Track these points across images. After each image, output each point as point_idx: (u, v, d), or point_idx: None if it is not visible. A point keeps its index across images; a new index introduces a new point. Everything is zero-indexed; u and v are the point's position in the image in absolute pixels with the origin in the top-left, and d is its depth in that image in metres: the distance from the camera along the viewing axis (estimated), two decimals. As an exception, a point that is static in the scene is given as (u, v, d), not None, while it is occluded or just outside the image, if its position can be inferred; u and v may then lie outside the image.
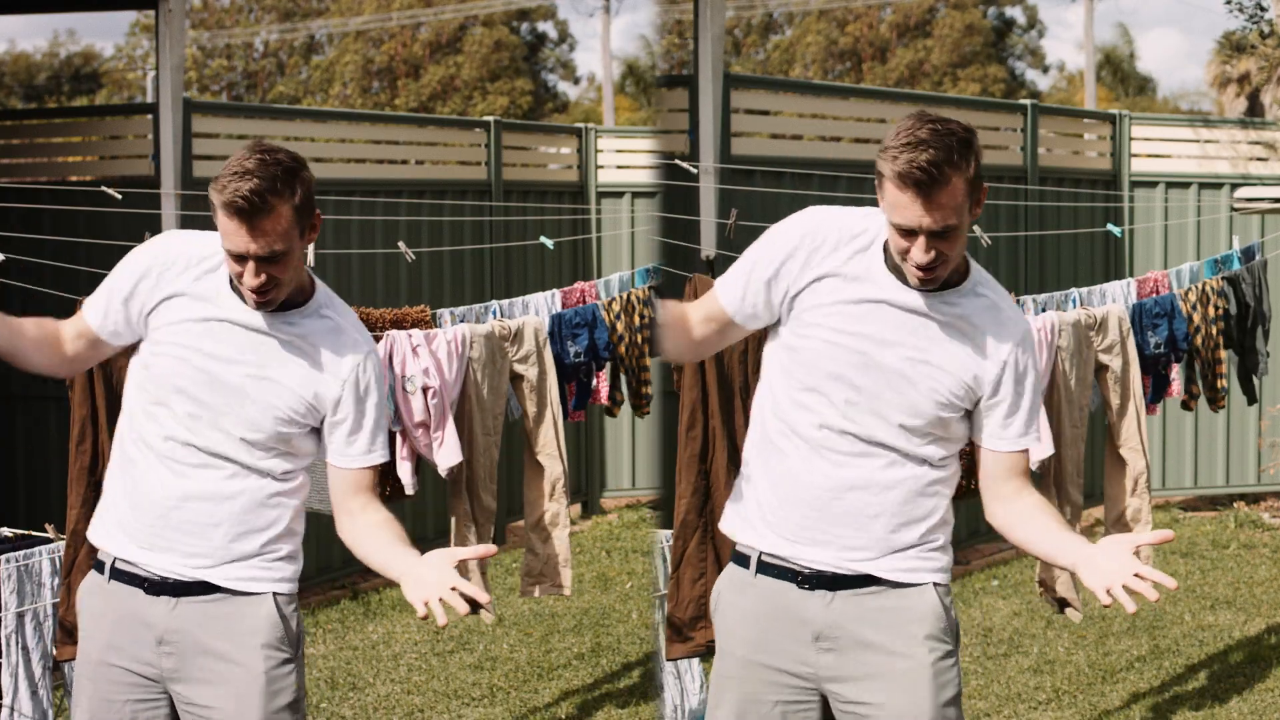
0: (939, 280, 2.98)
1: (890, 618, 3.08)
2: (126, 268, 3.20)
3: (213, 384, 3.12)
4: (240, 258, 3.02)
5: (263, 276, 3.02)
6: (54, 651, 4.94)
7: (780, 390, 3.12)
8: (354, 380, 3.18)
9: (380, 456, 3.25)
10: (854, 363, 3.03)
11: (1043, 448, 5.23)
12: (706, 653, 4.95)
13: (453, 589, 2.95)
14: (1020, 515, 3.13)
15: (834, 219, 3.10)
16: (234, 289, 3.14)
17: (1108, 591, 2.87)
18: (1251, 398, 6.18)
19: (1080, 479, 5.39)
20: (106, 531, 3.24)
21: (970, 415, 3.11)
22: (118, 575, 3.20)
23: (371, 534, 3.21)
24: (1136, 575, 2.86)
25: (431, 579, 2.99)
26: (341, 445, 3.21)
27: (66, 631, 4.73)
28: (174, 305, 3.15)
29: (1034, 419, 3.13)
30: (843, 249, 3.06)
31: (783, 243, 3.10)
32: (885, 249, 3.04)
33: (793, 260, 3.08)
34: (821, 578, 3.09)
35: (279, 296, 3.09)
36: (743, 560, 3.19)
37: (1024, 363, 3.08)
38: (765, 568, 3.14)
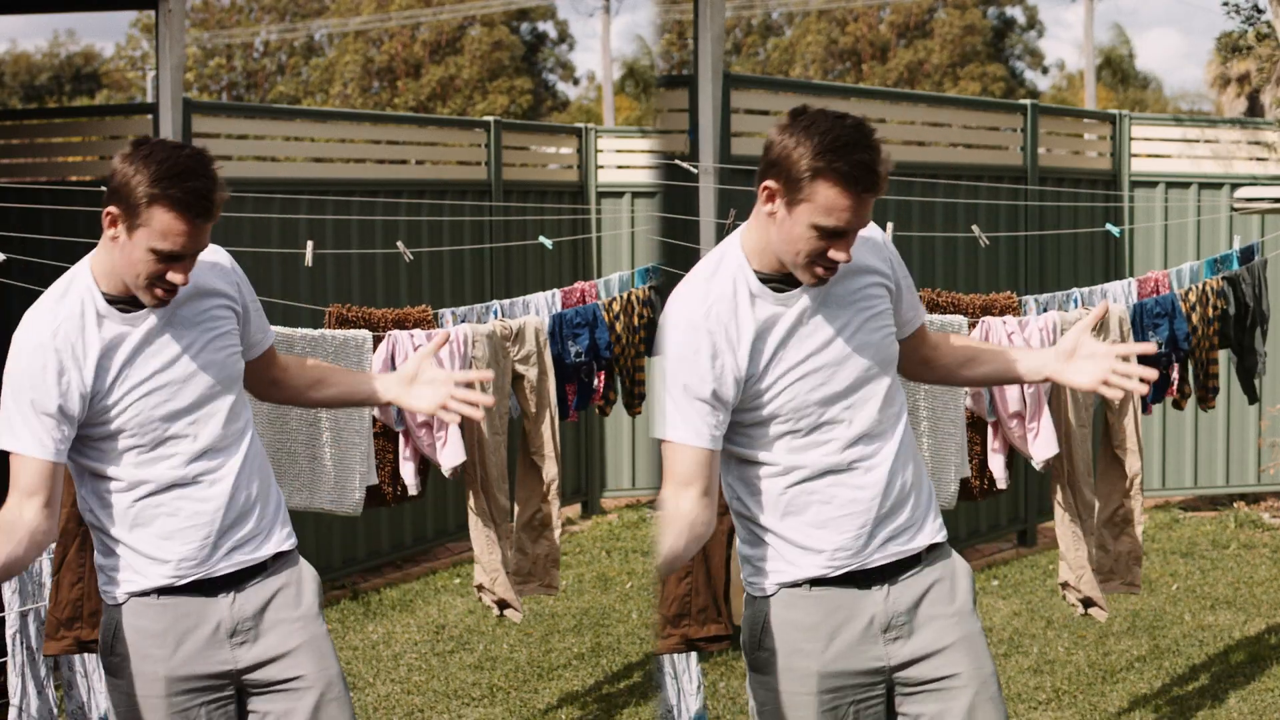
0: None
1: (940, 590, 3.16)
2: (18, 383, 3.06)
3: (185, 385, 3.17)
4: (173, 257, 3.02)
5: (180, 278, 3.05)
6: (37, 646, 4.90)
7: (784, 452, 3.07)
8: (239, 283, 3.29)
9: (272, 331, 3.45)
10: (826, 377, 3.05)
11: (1048, 446, 5.24)
12: (687, 649, 4.97)
13: (459, 383, 3.32)
14: (953, 355, 3.34)
15: (706, 297, 3.01)
16: (111, 303, 3.10)
17: (1107, 384, 3.13)
18: (1252, 397, 6.18)
19: (1091, 478, 5.38)
20: (152, 568, 3.18)
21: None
22: (167, 591, 3.18)
23: (304, 371, 3.46)
24: (1122, 359, 3.14)
25: (431, 380, 3.34)
26: (259, 335, 3.35)
27: (55, 626, 4.70)
28: (107, 367, 3.09)
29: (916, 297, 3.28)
30: (737, 311, 3.01)
31: (688, 355, 3.00)
32: (762, 279, 3.01)
33: (714, 359, 3.00)
34: (882, 572, 3.13)
35: (176, 289, 3.11)
36: (793, 582, 3.15)
37: (893, 250, 3.19)
38: (818, 582, 3.13)
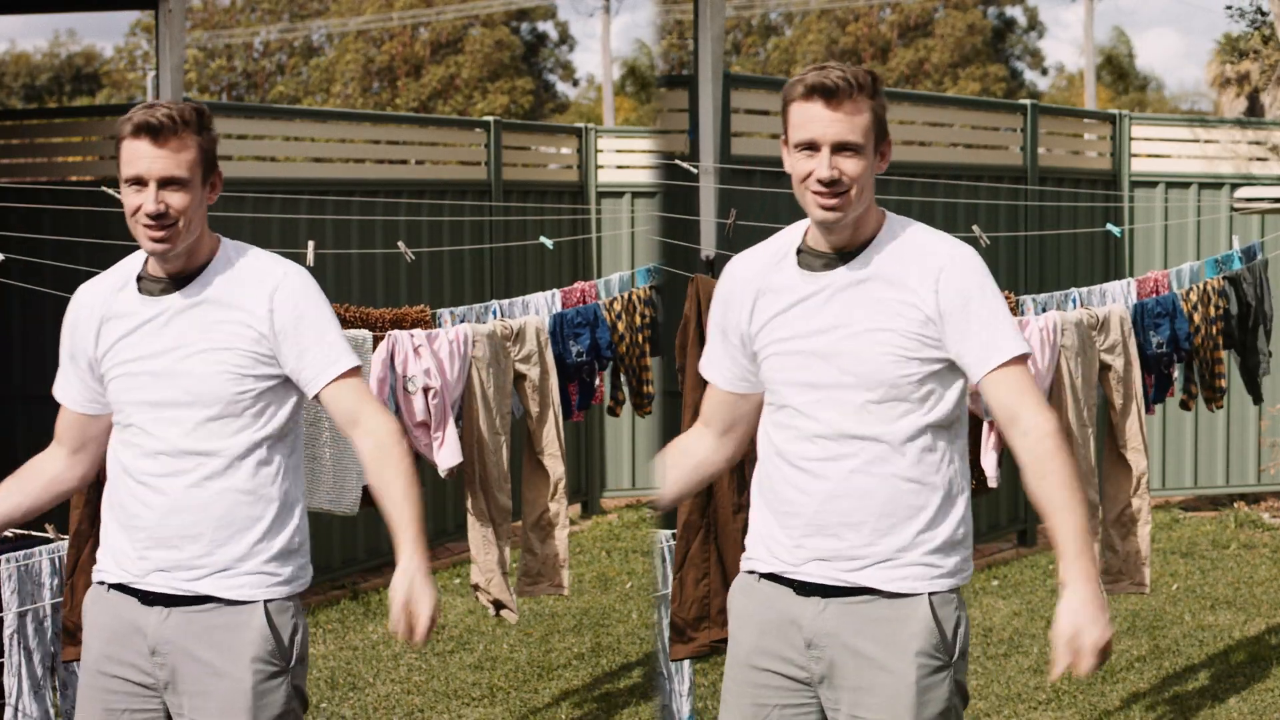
0: (844, 211, 2.98)
1: (880, 629, 3.03)
2: (63, 334, 3.28)
3: (156, 381, 3.14)
4: (140, 182, 3.07)
5: (162, 205, 3.05)
6: (54, 652, 4.94)
7: (766, 421, 3.17)
8: (276, 305, 3.13)
9: (347, 360, 3.16)
10: (801, 364, 3.05)
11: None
12: (709, 653, 4.95)
13: (404, 609, 2.97)
14: (1027, 467, 2.95)
15: (754, 252, 3.19)
16: (146, 279, 3.17)
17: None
18: (1257, 397, 6.17)
19: (1095, 478, 5.38)
20: (105, 555, 3.27)
21: (951, 364, 3.03)
22: (116, 586, 3.23)
23: (375, 484, 3.13)
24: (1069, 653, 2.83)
25: (399, 594, 2.99)
26: (310, 371, 3.14)
27: (69, 633, 4.72)
28: (107, 335, 3.20)
29: (1002, 329, 3.00)
30: (764, 271, 3.13)
31: (721, 299, 3.20)
32: (800, 249, 3.09)
33: (730, 309, 3.17)
34: (817, 586, 3.08)
35: (177, 241, 3.09)
36: (750, 570, 3.21)
37: (959, 278, 3.00)
38: (769, 575, 3.15)
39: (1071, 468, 2.94)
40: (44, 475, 3.35)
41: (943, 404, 3.04)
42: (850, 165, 2.97)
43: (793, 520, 3.08)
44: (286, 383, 3.18)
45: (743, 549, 3.27)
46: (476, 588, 5.25)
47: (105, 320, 3.20)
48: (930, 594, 3.03)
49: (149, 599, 3.17)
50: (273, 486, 3.17)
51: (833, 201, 2.98)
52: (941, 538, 3.05)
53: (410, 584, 2.98)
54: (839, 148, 2.96)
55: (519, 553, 5.50)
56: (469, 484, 5.20)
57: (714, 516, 4.92)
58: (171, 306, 3.15)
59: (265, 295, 3.13)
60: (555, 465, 5.37)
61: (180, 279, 3.16)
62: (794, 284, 3.07)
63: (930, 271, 3.00)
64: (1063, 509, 2.91)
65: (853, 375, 3.00)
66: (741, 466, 4.83)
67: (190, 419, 3.12)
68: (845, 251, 3.05)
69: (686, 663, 5.27)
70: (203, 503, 3.13)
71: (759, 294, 3.11)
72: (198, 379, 3.11)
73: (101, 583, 3.26)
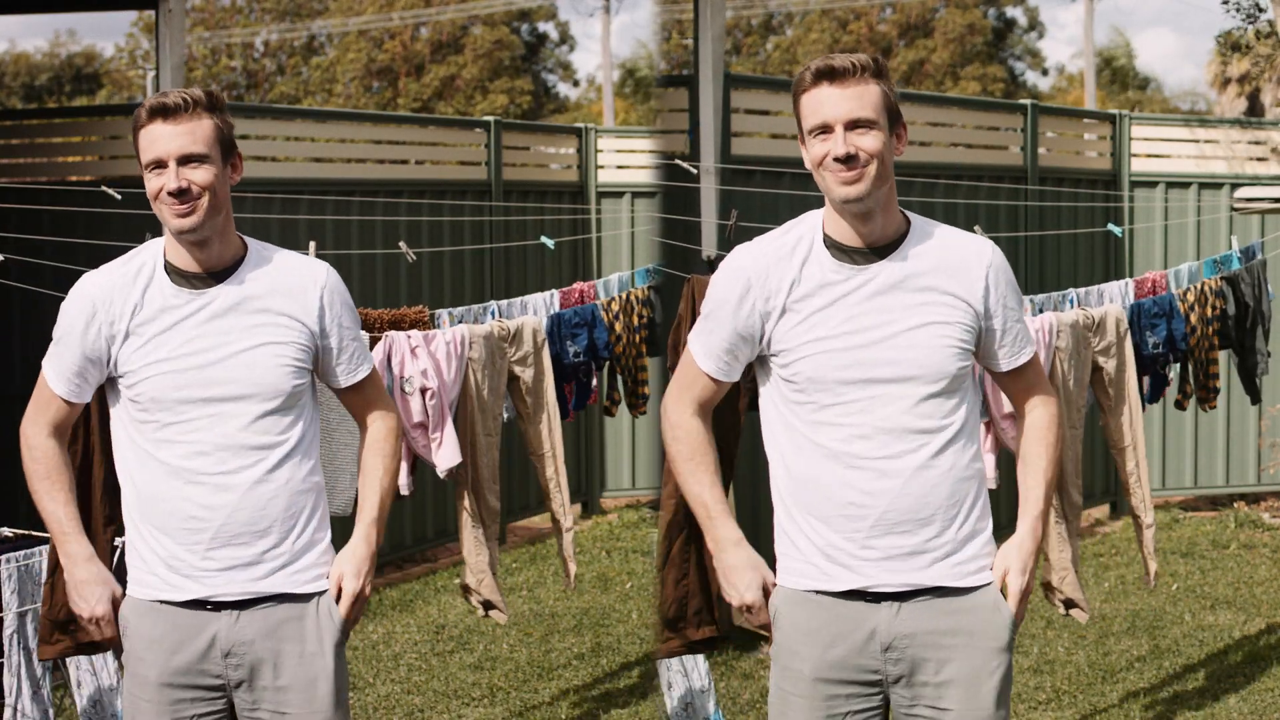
0: (865, 187, 2.97)
1: (957, 621, 3.06)
2: (66, 326, 3.21)
3: (208, 375, 3.11)
4: (160, 165, 3.07)
5: (184, 181, 3.06)
6: (34, 648, 4.88)
7: (797, 424, 3.08)
8: (326, 303, 3.23)
9: (371, 357, 3.37)
10: (853, 360, 3.00)
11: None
12: (686, 652, 4.97)
13: (337, 583, 3.25)
14: (1029, 427, 3.22)
15: (763, 245, 3.11)
16: (174, 273, 3.15)
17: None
18: (1255, 397, 6.17)
19: (1079, 479, 5.39)
20: (154, 574, 3.19)
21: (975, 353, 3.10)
22: (168, 601, 3.19)
23: (361, 467, 3.36)
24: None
25: (335, 570, 3.25)
26: (345, 366, 3.28)
27: (49, 630, 4.69)
28: (134, 332, 3.15)
29: (1026, 326, 3.18)
30: (780, 265, 3.07)
31: (726, 293, 3.11)
32: (826, 243, 3.06)
33: (743, 305, 3.08)
34: (890, 594, 3.05)
35: (200, 217, 3.09)
36: (813, 589, 3.13)
37: (1005, 276, 3.10)
38: (841, 594, 3.09)
39: (1059, 447, 3.23)
40: (68, 469, 3.32)
41: (975, 396, 3.13)
42: (866, 141, 2.97)
43: (858, 524, 3.04)
44: (313, 376, 3.26)
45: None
46: (467, 589, 5.26)
47: (124, 316, 3.15)
48: (990, 584, 3.10)
49: (217, 605, 3.16)
50: (315, 476, 3.25)
51: (851, 175, 2.96)
52: (989, 525, 3.15)
53: (342, 565, 3.25)
54: (852, 125, 2.97)
55: (521, 551, 5.50)
56: (462, 485, 5.20)
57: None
58: (216, 299, 3.13)
59: (316, 292, 3.21)
60: (547, 466, 5.38)
61: (218, 273, 3.14)
62: (828, 279, 3.03)
63: (981, 268, 3.06)
64: (1041, 470, 3.19)
65: (916, 368, 3.01)
66: (726, 467, 4.84)
67: (250, 412, 3.13)
68: (880, 246, 3.03)
69: (703, 659, 5.28)
70: (269, 496, 3.15)
71: (779, 291, 3.05)
72: (262, 370, 3.12)
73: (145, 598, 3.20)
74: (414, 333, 5.04)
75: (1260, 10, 10.27)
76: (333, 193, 8.30)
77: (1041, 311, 5.43)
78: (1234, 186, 9.74)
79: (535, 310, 5.56)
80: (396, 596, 8.03)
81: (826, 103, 2.98)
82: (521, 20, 31.13)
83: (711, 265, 5.49)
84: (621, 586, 8.22)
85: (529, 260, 9.55)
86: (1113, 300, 5.57)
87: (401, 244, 6.08)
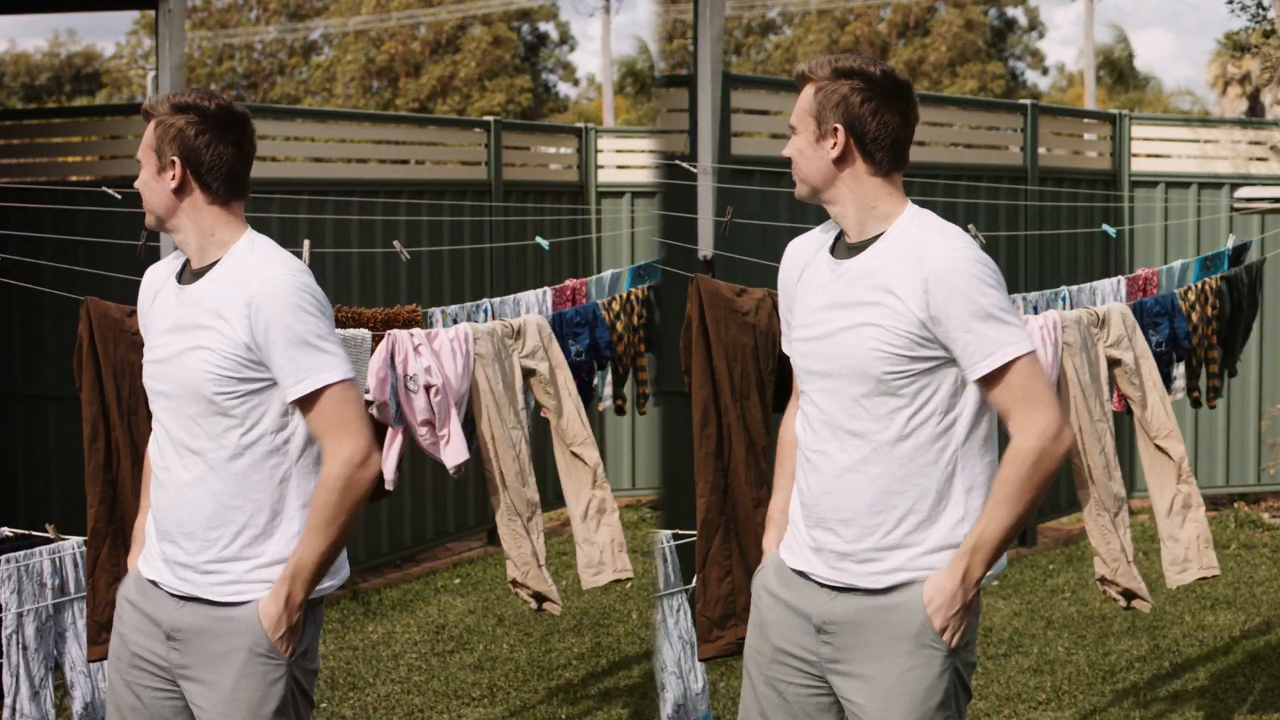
0: (799, 190, 3.16)
1: (881, 618, 3.08)
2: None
3: (161, 371, 3.21)
4: None
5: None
6: (55, 653, 4.95)
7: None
8: (252, 315, 3.09)
9: (317, 378, 3.09)
10: (808, 350, 3.17)
11: None
12: (737, 651, 4.93)
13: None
14: (1001, 466, 3.04)
15: (807, 236, 3.30)
16: (185, 270, 3.30)
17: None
18: (1218, 393, 6.13)
19: (1117, 470, 5.34)
20: (143, 542, 3.38)
21: (953, 360, 3.02)
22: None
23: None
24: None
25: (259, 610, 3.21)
26: (286, 378, 3.11)
27: (96, 630, 4.71)
28: (144, 324, 3.33)
29: (990, 334, 2.96)
30: (808, 256, 3.26)
31: (780, 280, 3.34)
32: (837, 237, 3.22)
33: (784, 292, 3.32)
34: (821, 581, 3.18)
35: (148, 217, 3.25)
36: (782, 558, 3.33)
37: (947, 281, 2.96)
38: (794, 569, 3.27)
39: (1023, 482, 2.97)
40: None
41: (935, 400, 3.03)
42: (789, 145, 3.18)
43: (803, 510, 3.21)
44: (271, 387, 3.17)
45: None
46: (515, 583, 5.22)
47: (145, 303, 3.33)
48: (920, 582, 3.05)
49: (165, 591, 3.25)
50: (263, 493, 3.16)
51: (794, 176, 3.18)
52: (934, 540, 3.05)
53: (263, 606, 3.17)
54: (791, 129, 3.18)
55: (575, 544, 5.46)
56: (490, 482, 5.20)
57: (732, 513, 4.91)
58: (187, 299, 3.20)
59: (243, 304, 3.10)
60: (590, 453, 5.35)
61: (197, 272, 3.22)
62: (820, 272, 3.18)
63: (921, 273, 2.98)
64: (992, 510, 3.00)
65: (841, 368, 3.08)
66: (758, 461, 4.82)
67: (182, 413, 3.18)
68: (857, 244, 3.12)
69: (699, 662, 5.27)
70: (195, 500, 3.17)
71: (799, 279, 3.24)
72: (189, 374, 3.15)
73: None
74: (417, 331, 5.04)
75: (1264, 10, 10.27)
76: (332, 193, 8.30)
77: (1037, 311, 5.42)
78: (1234, 186, 9.74)
79: (528, 308, 5.57)
80: (396, 596, 8.03)
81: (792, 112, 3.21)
82: (521, 20, 31.13)
83: (709, 264, 5.49)
84: (622, 586, 8.22)
85: (529, 260, 9.54)
86: (1105, 299, 5.57)
87: (396, 243, 6.08)
